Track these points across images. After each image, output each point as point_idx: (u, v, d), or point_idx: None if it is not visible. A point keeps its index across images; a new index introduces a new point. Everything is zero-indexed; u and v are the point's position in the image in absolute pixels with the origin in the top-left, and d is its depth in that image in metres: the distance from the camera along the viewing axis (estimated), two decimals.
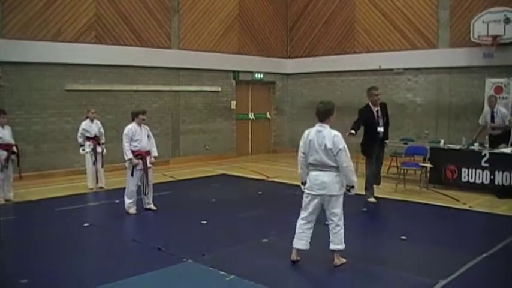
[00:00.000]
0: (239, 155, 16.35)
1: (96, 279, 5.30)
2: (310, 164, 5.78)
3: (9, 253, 5.42)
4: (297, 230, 5.87)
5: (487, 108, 11.42)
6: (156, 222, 8.14)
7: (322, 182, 5.67)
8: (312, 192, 5.75)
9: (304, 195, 5.86)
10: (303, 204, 5.86)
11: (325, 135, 5.64)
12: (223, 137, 16.03)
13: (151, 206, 8.63)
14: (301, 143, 5.84)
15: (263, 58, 16.92)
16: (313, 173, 5.75)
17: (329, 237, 5.79)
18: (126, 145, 8.36)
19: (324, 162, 5.66)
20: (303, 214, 5.86)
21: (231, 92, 16.17)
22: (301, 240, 5.84)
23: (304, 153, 5.81)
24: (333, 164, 5.64)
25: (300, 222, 5.88)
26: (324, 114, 5.76)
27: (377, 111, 9.30)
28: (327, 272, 5.73)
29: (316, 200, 5.75)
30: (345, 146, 5.62)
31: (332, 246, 5.78)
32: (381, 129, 9.30)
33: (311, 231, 5.86)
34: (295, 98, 17.69)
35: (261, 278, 5.30)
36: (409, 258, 6.32)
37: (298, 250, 5.87)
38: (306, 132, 5.83)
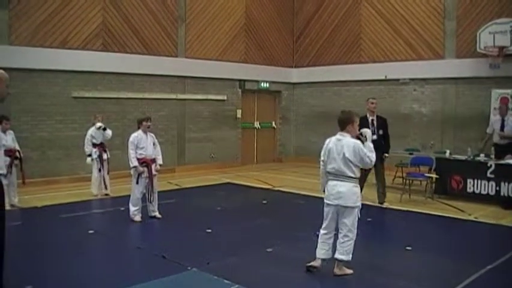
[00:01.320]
0: (244, 164, 16.35)
1: (101, 287, 5.30)
2: (328, 172, 5.80)
3: (14, 259, 5.42)
4: (319, 240, 5.88)
5: (496, 116, 11.36)
6: (161, 230, 8.14)
7: (338, 192, 5.69)
8: (329, 202, 5.78)
9: (324, 204, 5.88)
10: (324, 214, 5.88)
11: (344, 144, 5.69)
12: (229, 146, 16.04)
13: (156, 214, 8.63)
14: (322, 152, 5.90)
15: (269, 67, 16.96)
16: (331, 183, 5.78)
17: (335, 245, 5.80)
18: (131, 152, 8.39)
19: (341, 171, 5.68)
20: (323, 224, 5.88)
21: (236, 100, 16.20)
22: (322, 249, 5.83)
23: (323, 162, 5.86)
24: (351, 175, 5.68)
25: (321, 232, 5.89)
26: (343, 122, 5.83)
27: (372, 120, 9.86)
28: (332, 281, 5.70)
29: (332, 210, 5.77)
30: (363, 149, 5.68)
31: (337, 255, 5.76)
32: (374, 137, 9.57)
33: (331, 240, 5.87)
34: (300, 107, 17.69)
35: (265, 287, 5.28)
36: (413, 268, 6.29)
37: (320, 259, 5.86)
38: (327, 140, 5.88)
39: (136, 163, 8.37)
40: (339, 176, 5.71)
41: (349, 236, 5.71)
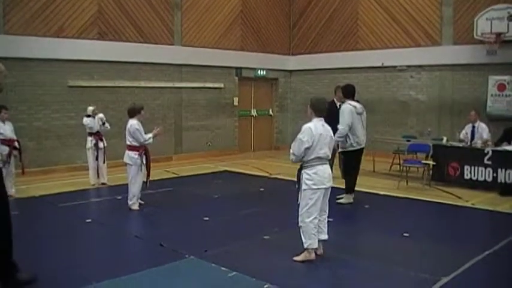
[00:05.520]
0: (241, 152, 16.34)
1: (99, 275, 5.31)
2: (317, 158, 5.75)
3: (12, 248, 5.42)
4: (313, 231, 5.76)
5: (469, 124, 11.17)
6: (159, 219, 8.14)
7: (329, 174, 5.85)
8: (322, 186, 5.76)
9: (311, 192, 5.74)
10: (311, 202, 5.73)
11: (328, 129, 5.90)
12: (226, 134, 16.02)
13: (140, 201, 8.57)
14: (305, 138, 5.70)
15: (266, 55, 16.89)
16: (321, 167, 5.78)
17: (320, 229, 5.87)
18: (144, 136, 8.31)
19: (328, 154, 5.84)
20: (315, 213, 5.76)
21: (233, 88, 16.15)
22: (316, 238, 5.81)
23: (308, 149, 5.72)
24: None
25: (314, 222, 5.75)
26: (324, 110, 5.97)
27: (339, 105, 10.12)
28: (329, 268, 5.73)
29: (323, 193, 5.79)
30: None
31: (326, 236, 5.93)
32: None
33: None
34: (297, 94, 17.66)
35: (262, 275, 5.30)
36: (411, 255, 6.31)
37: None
38: (311, 127, 5.75)
39: (151, 136, 8.38)
40: (324, 159, 5.82)
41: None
